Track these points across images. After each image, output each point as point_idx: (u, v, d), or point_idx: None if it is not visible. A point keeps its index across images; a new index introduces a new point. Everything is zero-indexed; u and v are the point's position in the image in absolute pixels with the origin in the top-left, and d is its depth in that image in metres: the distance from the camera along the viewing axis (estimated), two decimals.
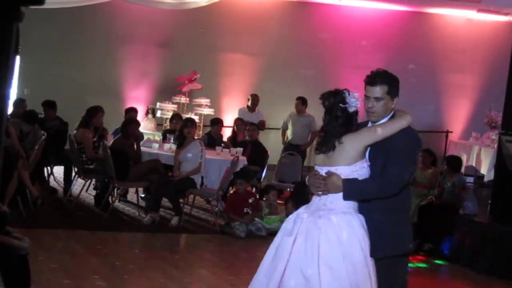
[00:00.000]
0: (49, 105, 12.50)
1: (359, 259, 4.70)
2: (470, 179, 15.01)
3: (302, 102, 14.03)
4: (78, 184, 11.99)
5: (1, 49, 2.30)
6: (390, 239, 4.79)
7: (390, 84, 4.89)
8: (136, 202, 11.86)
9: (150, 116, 15.14)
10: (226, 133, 14.78)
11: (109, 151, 10.70)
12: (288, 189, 12.78)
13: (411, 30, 18.21)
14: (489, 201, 11.29)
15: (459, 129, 18.58)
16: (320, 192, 4.80)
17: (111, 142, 11.28)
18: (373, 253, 4.71)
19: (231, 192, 11.46)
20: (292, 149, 13.77)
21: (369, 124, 4.98)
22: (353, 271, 4.68)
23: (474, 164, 15.47)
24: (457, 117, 18.70)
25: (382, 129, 4.83)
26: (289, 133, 14.38)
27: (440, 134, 18.10)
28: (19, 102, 12.85)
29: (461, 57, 18.46)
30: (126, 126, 11.26)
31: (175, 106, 14.87)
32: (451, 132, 18.06)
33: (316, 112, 14.42)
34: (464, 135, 18.02)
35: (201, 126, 14.77)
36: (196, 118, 13.64)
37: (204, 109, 15.08)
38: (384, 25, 17.94)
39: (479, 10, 17.72)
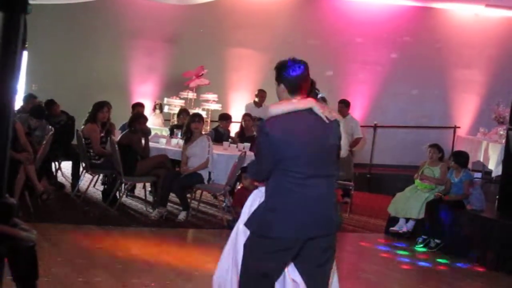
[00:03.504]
0: (49, 103, 12.50)
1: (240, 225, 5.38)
2: (477, 175, 14.97)
3: (345, 105, 13.89)
4: (85, 179, 12.02)
5: (8, 41, 2.29)
6: (251, 215, 5.08)
7: (276, 70, 5.00)
8: (143, 197, 11.89)
9: (157, 111, 15.16)
10: (233, 128, 14.78)
11: (116, 146, 10.71)
12: None
13: (418, 25, 18.18)
14: (497, 197, 11.27)
15: (467, 124, 18.54)
16: None
17: (118, 137, 11.29)
18: None
19: (239, 187, 11.45)
20: None
21: None
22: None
23: (481, 160, 15.42)
24: (465, 112, 18.67)
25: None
26: None
27: (447, 129, 18.08)
28: (29, 98, 12.84)
29: (468, 52, 18.42)
30: (133, 121, 11.26)
31: (183, 101, 14.87)
32: (459, 127, 18.03)
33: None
34: (471, 131, 17.98)
35: (209, 121, 14.77)
36: (203, 113, 13.63)
37: (211, 105, 15.08)
38: (392, 20, 17.91)
39: (487, 5, 17.68)
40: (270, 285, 4.95)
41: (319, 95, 5.40)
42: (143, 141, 11.23)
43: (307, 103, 4.86)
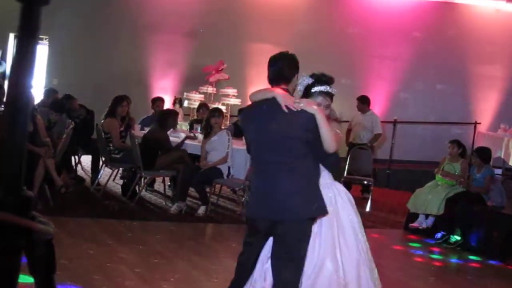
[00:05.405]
0: (68, 98, 12.53)
1: None
2: (498, 171, 14.89)
3: (361, 101, 13.84)
4: (105, 173, 12.05)
5: (26, 35, 2.24)
6: None
7: None
8: (163, 192, 11.90)
9: (177, 106, 15.16)
10: None
11: (141, 140, 10.76)
12: None
13: (439, 20, 18.09)
14: None
15: (488, 120, 18.44)
16: None
17: (147, 131, 11.31)
18: None
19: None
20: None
21: None
22: None
23: (502, 156, 15.35)
24: (486, 108, 18.57)
25: None
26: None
27: (468, 125, 17.98)
28: (50, 92, 12.84)
29: (490, 48, 18.32)
30: (167, 118, 11.23)
31: (202, 96, 14.86)
32: (480, 123, 17.92)
33: (345, 104, 14.39)
34: (492, 127, 17.89)
35: (228, 116, 14.76)
36: (223, 108, 13.62)
37: (231, 99, 15.05)
38: (412, 16, 17.83)
39: (508, 1, 17.56)
40: (251, 253, 5.30)
41: (317, 89, 5.42)
42: (170, 138, 11.27)
43: (272, 93, 5.07)
